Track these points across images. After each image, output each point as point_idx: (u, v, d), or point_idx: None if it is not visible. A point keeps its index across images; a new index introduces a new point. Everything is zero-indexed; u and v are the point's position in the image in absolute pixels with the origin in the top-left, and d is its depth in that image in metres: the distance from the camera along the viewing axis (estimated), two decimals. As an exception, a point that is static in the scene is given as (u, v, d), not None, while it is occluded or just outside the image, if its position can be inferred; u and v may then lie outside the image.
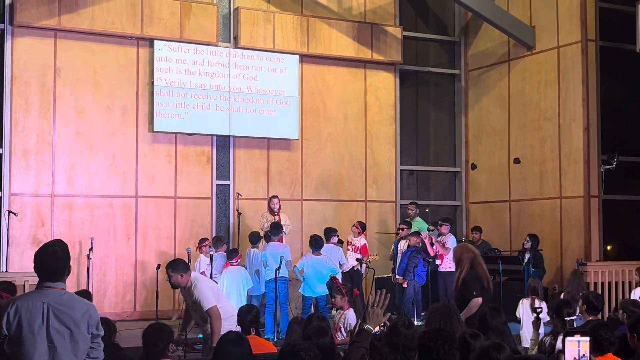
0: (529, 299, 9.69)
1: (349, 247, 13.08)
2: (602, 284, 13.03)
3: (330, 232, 12.41)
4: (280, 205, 12.93)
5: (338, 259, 11.92)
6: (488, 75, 16.07)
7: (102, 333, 4.61)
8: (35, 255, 4.58)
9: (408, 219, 13.66)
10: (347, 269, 12.48)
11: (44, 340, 4.39)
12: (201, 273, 11.91)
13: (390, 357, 4.69)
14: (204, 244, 12.23)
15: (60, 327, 4.41)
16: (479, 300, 7.21)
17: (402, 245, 12.73)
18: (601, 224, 13.90)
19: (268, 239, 11.76)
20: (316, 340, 5.18)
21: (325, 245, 11.85)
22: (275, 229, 11.77)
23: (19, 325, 4.39)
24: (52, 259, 4.54)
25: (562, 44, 14.35)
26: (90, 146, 13.14)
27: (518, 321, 11.76)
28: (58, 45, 12.99)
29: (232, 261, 11.40)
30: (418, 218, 13.85)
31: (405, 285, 12.36)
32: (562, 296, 9.74)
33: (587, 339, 3.63)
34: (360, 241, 13.14)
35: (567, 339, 3.61)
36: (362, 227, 13.20)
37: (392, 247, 13.36)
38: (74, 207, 12.94)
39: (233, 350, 4.74)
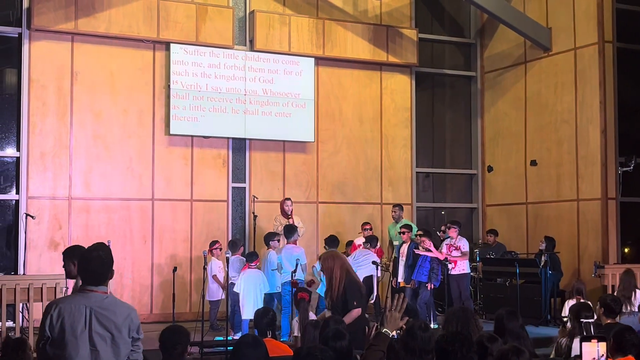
0: (574, 300, 9.63)
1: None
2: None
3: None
4: (293, 208, 12.94)
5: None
6: (504, 77, 16.02)
7: (142, 336, 4.63)
8: (79, 259, 4.65)
9: (408, 222, 13.54)
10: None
11: (86, 344, 4.42)
12: (213, 276, 11.97)
13: None
14: (214, 247, 12.24)
15: (103, 331, 4.45)
16: (359, 311, 7.26)
17: (403, 249, 12.65)
18: (619, 226, 13.81)
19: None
20: (333, 343, 5.17)
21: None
22: (289, 232, 11.75)
23: (61, 327, 4.42)
24: (97, 264, 4.57)
25: (579, 46, 14.28)
26: (107, 149, 13.20)
27: (537, 324, 11.75)
28: (75, 49, 13.06)
29: (251, 264, 11.39)
30: (404, 220, 13.73)
31: (411, 286, 12.32)
32: (615, 294, 9.62)
33: (604, 343, 3.62)
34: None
35: (584, 343, 3.60)
36: (409, 229, 13.06)
37: (393, 251, 13.31)
38: (91, 210, 13.00)
39: (249, 352, 4.74)
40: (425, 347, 4.63)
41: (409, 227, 12.89)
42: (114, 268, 4.69)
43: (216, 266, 12.06)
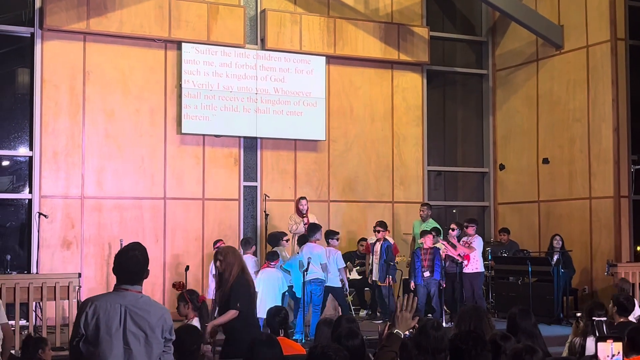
0: None
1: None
2: (633, 285, 12.85)
3: (330, 234, 12.23)
4: (308, 207, 12.94)
5: (337, 263, 11.78)
6: (516, 75, 15.97)
7: (174, 337, 4.64)
8: (115, 258, 4.64)
9: (437, 226, 13.48)
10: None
11: (120, 343, 4.44)
12: (213, 275, 11.84)
13: (420, 359, 4.68)
14: (216, 246, 12.13)
15: (137, 331, 4.46)
16: (236, 313, 6.96)
17: (377, 247, 12.67)
18: (632, 225, 13.76)
19: (302, 241, 11.71)
20: (346, 342, 5.17)
21: (327, 248, 11.80)
22: (312, 230, 11.78)
23: (96, 325, 4.44)
24: (132, 263, 4.60)
25: (591, 43, 14.22)
26: (119, 148, 13.24)
27: (549, 323, 11.71)
28: (87, 48, 13.11)
29: (271, 263, 11.39)
30: (431, 221, 13.66)
31: (387, 284, 12.31)
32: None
33: (620, 343, 3.61)
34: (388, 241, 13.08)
35: (600, 343, 3.59)
36: (384, 227, 13.02)
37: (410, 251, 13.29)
38: (103, 209, 13.05)
39: (264, 351, 4.75)
40: (438, 346, 4.63)
41: (436, 230, 12.90)
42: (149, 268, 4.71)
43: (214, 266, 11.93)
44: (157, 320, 4.52)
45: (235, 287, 6.98)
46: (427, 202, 14.10)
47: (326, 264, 11.45)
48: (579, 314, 6.70)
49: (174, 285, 10.58)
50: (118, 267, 4.62)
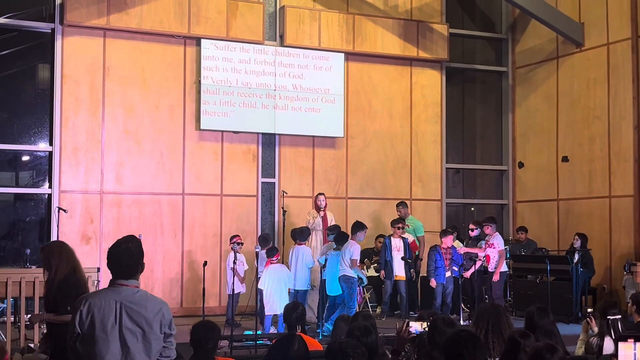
0: None
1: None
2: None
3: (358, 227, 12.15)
4: (326, 203, 12.94)
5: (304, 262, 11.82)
6: (536, 72, 15.90)
7: (174, 332, 4.50)
8: (108, 252, 4.50)
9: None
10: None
11: (117, 340, 4.32)
12: (231, 269, 11.86)
13: (434, 355, 4.70)
14: (232, 241, 12.14)
15: (133, 327, 4.34)
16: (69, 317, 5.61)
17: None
18: (652, 224, 13.67)
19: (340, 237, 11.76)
20: (363, 338, 5.17)
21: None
22: (355, 228, 11.92)
23: (91, 323, 4.34)
24: (126, 256, 4.45)
25: (612, 41, 14.13)
26: (138, 144, 13.30)
27: (568, 322, 11.65)
28: (107, 44, 13.17)
29: (273, 259, 11.40)
30: (411, 216, 13.70)
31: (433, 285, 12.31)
32: None
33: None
34: (408, 238, 13.07)
35: (621, 343, 3.57)
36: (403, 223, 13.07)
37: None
38: (122, 204, 13.11)
39: (287, 349, 4.77)
40: None
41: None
42: (144, 261, 4.58)
43: (231, 260, 11.94)
44: (154, 315, 4.38)
45: (64, 288, 6.17)
46: (402, 201, 13.90)
47: (356, 261, 11.47)
48: (590, 310, 6.68)
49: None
50: (112, 262, 4.46)
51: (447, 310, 12.27)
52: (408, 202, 15.07)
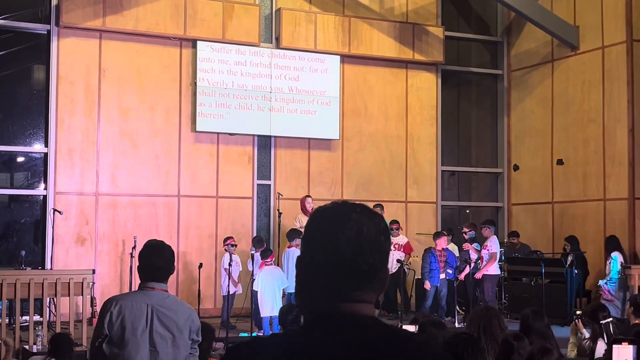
0: None
1: (392, 247, 12.91)
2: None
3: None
4: (313, 206, 12.97)
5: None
6: (531, 75, 15.93)
7: (200, 339, 4.48)
8: (141, 255, 4.47)
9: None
10: (394, 271, 12.35)
11: (147, 344, 4.27)
12: (224, 270, 11.89)
13: None
14: (226, 243, 12.14)
15: (164, 332, 4.29)
16: None
17: None
18: (646, 227, 13.70)
19: None
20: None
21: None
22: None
23: (121, 326, 4.27)
24: (161, 259, 4.44)
25: (607, 44, 14.16)
26: (133, 146, 13.30)
27: (562, 324, 11.67)
28: (103, 45, 13.17)
29: (267, 260, 11.41)
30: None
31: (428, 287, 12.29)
32: None
33: (636, 346, 3.62)
34: (402, 239, 13.09)
35: (615, 345, 3.60)
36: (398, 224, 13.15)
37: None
38: (118, 206, 13.10)
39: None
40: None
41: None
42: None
43: (226, 261, 11.94)
44: (184, 320, 4.35)
45: None
46: (379, 203, 13.91)
47: None
48: (579, 312, 6.68)
49: None
50: (143, 264, 4.42)
51: (442, 312, 12.27)
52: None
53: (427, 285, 12.23)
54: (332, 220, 1.93)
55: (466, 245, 12.72)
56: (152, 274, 4.41)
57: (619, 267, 12.29)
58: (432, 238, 12.79)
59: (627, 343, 3.60)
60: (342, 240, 1.88)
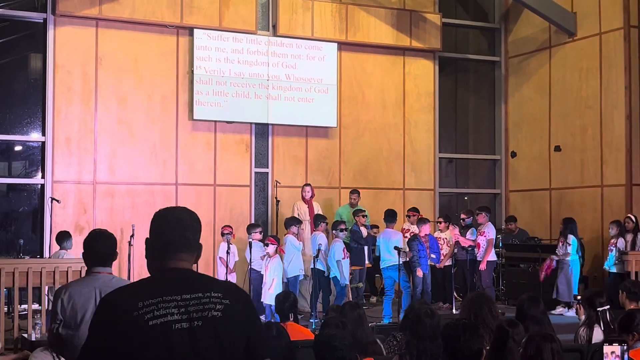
0: None
1: (406, 234, 12.71)
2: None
3: (318, 219, 12.15)
4: (313, 194, 12.97)
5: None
6: (528, 62, 15.92)
7: None
8: (86, 243, 4.85)
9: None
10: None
11: None
12: (220, 259, 11.91)
13: (420, 347, 4.74)
14: (223, 232, 12.14)
15: None
16: None
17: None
18: (643, 213, 13.72)
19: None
20: (352, 327, 5.21)
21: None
22: (389, 216, 11.86)
23: (73, 310, 4.64)
24: (105, 245, 4.82)
25: (604, 31, 14.15)
26: (131, 134, 13.30)
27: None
28: (99, 34, 13.15)
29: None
30: (359, 206, 13.48)
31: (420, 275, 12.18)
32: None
33: (625, 346, 3.67)
34: (446, 234, 13.05)
35: (606, 345, 3.65)
36: (417, 213, 13.18)
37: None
38: (116, 195, 13.12)
39: (272, 344, 4.79)
40: (434, 332, 4.70)
41: (416, 210, 13.27)
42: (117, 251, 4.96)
43: (223, 250, 11.95)
44: None
45: None
46: (356, 189, 13.87)
47: (405, 252, 11.55)
48: (579, 297, 6.69)
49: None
50: (89, 251, 4.81)
51: (428, 298, 12.08)
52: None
53: (420, 272, 12.05)
54: (165, 214, 3.19)
55: (456, 236, 12.65)
56: (97, 259, 4.80)
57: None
58: (416, 224, 12.64)
59: (617, 344, 3.65)
60: (172, 223, 3.15)
